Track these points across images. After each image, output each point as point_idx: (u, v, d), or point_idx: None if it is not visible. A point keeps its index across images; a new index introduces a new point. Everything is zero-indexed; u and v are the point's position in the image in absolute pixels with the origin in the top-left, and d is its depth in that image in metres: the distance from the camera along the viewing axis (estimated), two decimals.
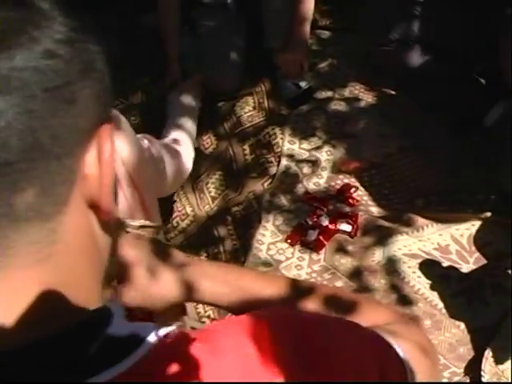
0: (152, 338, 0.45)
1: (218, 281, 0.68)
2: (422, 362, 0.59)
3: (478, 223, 1.66)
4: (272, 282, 0.70)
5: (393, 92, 1.96)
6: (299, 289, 0.69)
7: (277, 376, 0.45)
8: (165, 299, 0.68)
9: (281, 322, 0.50)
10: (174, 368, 0.44)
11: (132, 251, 0.67)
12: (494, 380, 1.40)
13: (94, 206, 0.47)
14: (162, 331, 0.46)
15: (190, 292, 0.67)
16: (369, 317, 0.63)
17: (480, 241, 1.63)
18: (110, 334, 0.44)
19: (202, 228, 1.79)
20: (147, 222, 0.74)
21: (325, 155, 1.86)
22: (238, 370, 0.45)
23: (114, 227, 0.51)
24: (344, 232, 1.67)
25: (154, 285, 0.67)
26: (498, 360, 1.40)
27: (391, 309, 0.70)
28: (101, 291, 0.50)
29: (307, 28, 1.90)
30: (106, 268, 0.51)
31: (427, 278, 1.57)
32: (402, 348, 0.56)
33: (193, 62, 1.97)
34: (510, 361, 1.40)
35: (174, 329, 0.47)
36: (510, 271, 1.55)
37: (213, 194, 1.86)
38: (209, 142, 1.96)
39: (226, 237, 1.75)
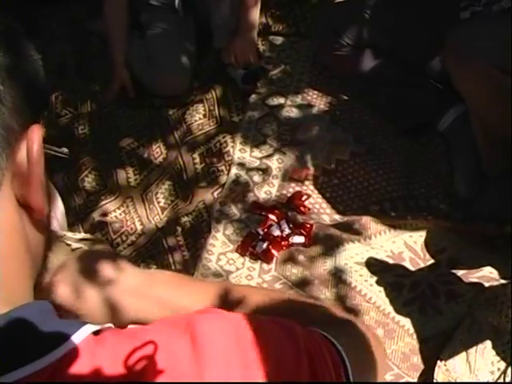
0: (79, 335, 0.46)
1: (141, 296, 0.68)
2: (359, 358, 0.62)
3: (431, 230, 1.66)
4: (200, 291, 0.70)
5: (346, 97, 1.97)
6: (230, 295, 0.69)
7: (203, 372, 0.47)
8: (95, 320, 0.67)
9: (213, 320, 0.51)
10: (91, 367, 0.45)
11: (58, 270, 0.68)
12: None
13: (25, 206, 0.50)
14: (91, 328, 0.47)
15: (114, 312, 0.68)
16: (303, 317, 0.63)
17: (434, 247, 1.64)
18: (32, 332, 0.45)
19: (151, 240, 1.78)
20: (88, 235, 0.75)
21: (276, 163, 1.86)
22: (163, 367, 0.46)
23: (46, 228, 0.53)
24: (298, 244, 1.68)
25: (83, 304, 0.67)
26: (450, 368, 1.40)
27: (331, 310, 0.72)
28: (32, 290, 0.51)
29: (255, 15, 1.92)
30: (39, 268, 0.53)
31: (379, 285, 1.56)
32: (340, 343, 0.58)
33: (141, 66, 1.97)
34: (462, 369, 1.40)
35: (105, 327, 0.48)
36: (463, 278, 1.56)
37: (162, 204, 1.85)
38: (158, 151, 1.96)
39: (175, 248, 1.74)
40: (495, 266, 1.56)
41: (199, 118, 2.00)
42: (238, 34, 1.98)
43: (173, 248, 1.74)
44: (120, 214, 1.84)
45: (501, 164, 1.65)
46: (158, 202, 1.85)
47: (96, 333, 0.47)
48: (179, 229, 1.77)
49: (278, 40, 2.17)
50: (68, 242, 0.73)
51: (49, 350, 0.45)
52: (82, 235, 0.75)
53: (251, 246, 1.68)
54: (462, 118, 1.74)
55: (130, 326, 0.52)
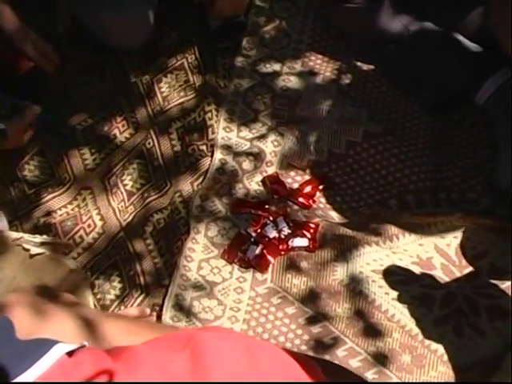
0: (50, 357, 0.49)
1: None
2: None
3: (468, 229, 1.60)
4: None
5: (357, 63, 1.90)
6: None
7: None
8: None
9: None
10: None
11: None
12: None
13: None
14: (64, 349, 0.51)
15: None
16: None
17: (472, 251, 1.58)
18: None
19: (113, 241, 1.70)
20: (49, 239, 0.86)
21: (270, 146, 1.79)
22: None
23: None
24: (300, 248, 1.62)
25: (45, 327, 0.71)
26: None
27: None
28: None
29: None
30: None
31: (403, 300, 1.51)
32: None
33: (89, 11, 1.84)
34: None
35: (79, 347, 0.53)
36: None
37: (129, 187, 1.78)
38: (124, 124, 1.88)
39: (144, 253, 1.68)
40: None
41: (179, 86, 1.93)
42: None
43: (141, 254, 1.67)
44: (72, 210, 1.74)
45: None
46: (124, 185, 1.77)
47: (70, 353, 0.51)
48: (149, 228, 1.71)
49: None
50: (26, 247, 0.74)
51: (14, 375, 0.47)
52: (44, 238, 0.78)
53: (241, 250, 1.63)
54: (506, 88, 1.67)
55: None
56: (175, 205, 1.73)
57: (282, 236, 1.63)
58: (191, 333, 0.54)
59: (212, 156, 1.78)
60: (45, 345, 0.49)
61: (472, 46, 1.75)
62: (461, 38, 1.76)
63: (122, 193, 1.77)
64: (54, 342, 0.50)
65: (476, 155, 1.72)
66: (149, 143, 1.83)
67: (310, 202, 1.69)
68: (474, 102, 1.75)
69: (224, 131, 1.82)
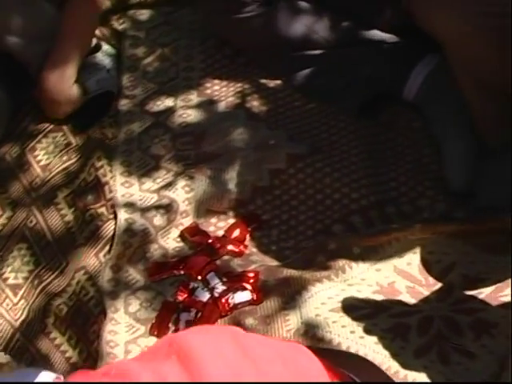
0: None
1: None
2: None
3: (428, 242, 1.68)
4: None
5: (262, 80, 1.98)
6: None
7: None
8: None
9: None
10: None
11: None
12: None
13: None
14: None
15: None
16: None
17: (438, 266, 1.65)
18: None
19: (9, 350, 1.67)
20: None
21: (182, 194, 1.85)
22: None
23: None
24: (243, 304, 1.65)
25: None
26: None
27: None
28: None
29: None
30: None
31: (373, 335, 1.54)
32: None
33: None
34: None
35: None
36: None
37: (12, 280, 1.76)
38: None
39: (50, 352, 1.66)
40: None
41: (58, 150, 1.96)
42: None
43: (47, 353, 1.65)
44: None
45: (503, 130, 1.69)
46: (5, 280, 1.76)
47: None
48: (50, 320, 1.69)
49: (144, 14, 2.18)
50: None
51: None
52: None
53: (172, 321, 1.63)
54: (435, 75, 1.78)
55: None
56: (80, 284, 1.73)
57: (216, 294, 1.65)
58: (169, 338, 0.57)
59: (115, 218, 1.81)
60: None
61: (388, 37, 1.87)
62: (374, 31, 1.87)
63: (2, 290, 1.75)
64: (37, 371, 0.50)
65: (418, 157, 1.82)
66: (31, 221, 1.83)
67: (241, 247, 1.73)
68: (403, 98, 1.85)
69: (123, 187, 1.86)
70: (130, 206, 1.82)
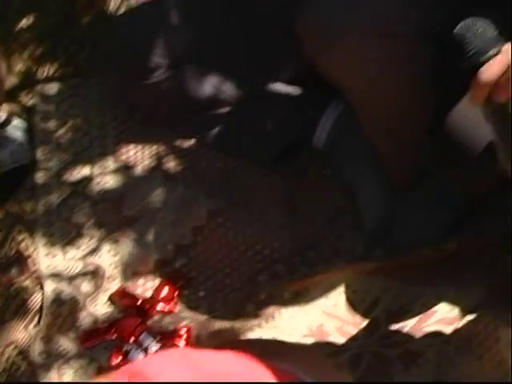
0: None
1: None
2: None
3: (351, 281, 1.72)
4: None
5: (177, 142, 2.03)
6: None
7: None
8: None
9: None
10: None
11: None
12: None
13: None
14: None
15: None
16: None
17: (362, 304, 1.69)
18: None
19: None
20: None
21: (107, 259, 1.86)
22: None
23: None
24: None
25: None
26: None
27: None
28: None
29: None
30: None
31: None
32: None
33: None
34: None
35: None
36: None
37: None
38: None
39: None
40: (451, 300, 1.63)
41: None
42: None
43: None
44: None
45: (412, 170, 1.76)
46: None
47: None
48: None
49: (52, 88, 2.19)
50: None
51: None
52: None
53: None
54: (342, 122, 1.85)
55: None
56: (11, 360, 1.72)
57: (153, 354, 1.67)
58: (126, 368, 0.57)
59: (42, 289, 1.80)
60: None
61: (293, 89, 1.93)
62: (279, 84, 1.93)
63: None
64: None
65: (333, 202, 1.87)
66: None
67: (171, 306, 1.74)
68: (314, 146, 1.91)
69: (47, 258, 1.86)
70: (55, 276, 1.82)
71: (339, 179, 1.89)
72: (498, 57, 1.04)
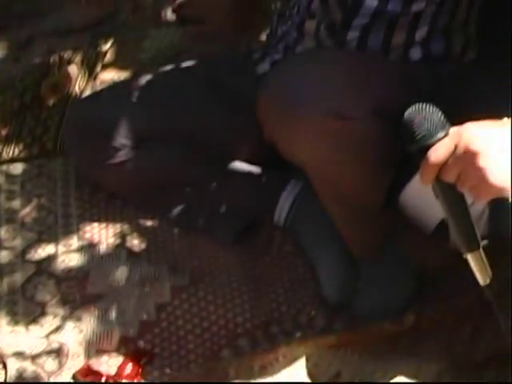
0: None
1: None
2: None
3: (312, 354, 1.75)
4: None
5: (141, 220, 2.07)
6: None
7: None
8: None
9: None
10: None
11: None
12: None
13: None
14: None
15: None
16: None
17: (323, 376, 1.71)
18: None
19: None
20: None
21: (72, 336, 1.86)
22: None
23: None
24: None
25: None
26: None
27: None
28: None
29: None
30: None
31: None
32: None
33: None
34: None
35: None
36: None
37: None
38: None
39: None
40: (411, 373, 1.67)
41: None
42: None
43: None
44: None
45: (371, 244, 1.81)
46: None
47: None
48: None
49: (17, 168, 2.23)
50: None
51: None
52: None
53: None
54: (302, 199, 1.91)
55: None
56: None
57: None
58: None
59: (5, 368, 1.79)
60: None
61: (253, 168, 1.98)
62: (240, 163, 1.98)
63: None
64: None
65: (294, 277, 1.90)
66: None
67: (135, 383, 1.75)
68: (275, 224, 1.96)
69: (10, 337, 1.85)
70: (19, 354, 1.81)
71: (300, 254, 1.93)
72: (446, 139, 1.11)
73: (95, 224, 2.07)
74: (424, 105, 1.14)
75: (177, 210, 2.02)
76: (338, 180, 1.64)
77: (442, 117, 1.13)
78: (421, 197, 1.39)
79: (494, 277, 1.24)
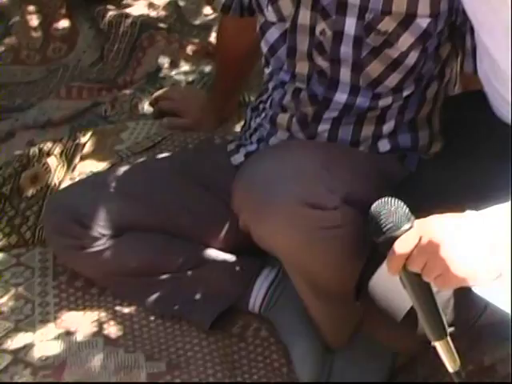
0: None
1: None
2: None
3: None
4: None
5: (118, 307, 2.08)
6: None
7: None
8: None
9: None
10: None
11: None
12: None
13: None
14: None
15: None
16: None
17: None
18: None
19: None
20: None
21: None
22: None
23: None
24: None
25: None
26: None
27: None
28: None
29: None
30: None
31: None
32: None
33: None
34: None
35: None
36: None
37: None
38: None
39: None
40: None
41: None
42: None
43: None
44: None
45: (343, 331, 1.85)
46: None
47: None
48: None
49: None
50: None
51: None
52: None
53: None
54: (276, 287, 1.95)
55: None
56: None
57: None
58: None
59: None
60: None
61: (228, 256, 2.02)
62: (215, 251, 2.02)
63: None
64: None
65: (269, 362, 1.93)
66: None
67: None
68: (250, 310, 1.99)
69: None
70: None
71: (276, 340, 1.96)
72: (411, 231, 1.17)
73: (72, 312, 2.07)
74: (390, 198, 1.20)
75: (153, 296, 2.04)
76: (310, 268, 1.69)
77: (407, 210, 1.19)
78: (389, 285, 1.43)
79: (463, 363, 1.28)
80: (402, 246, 1.16)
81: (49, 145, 2.38)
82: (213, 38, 2.83)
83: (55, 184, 2.28)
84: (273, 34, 1.84)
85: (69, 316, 2.07)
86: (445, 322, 1.23)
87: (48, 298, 2.12)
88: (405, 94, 1.78)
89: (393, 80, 1.76)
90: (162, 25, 2.91)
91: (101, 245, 1.98)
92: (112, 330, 2.03)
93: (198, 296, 2.01)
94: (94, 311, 2.07)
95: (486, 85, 1.63)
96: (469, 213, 1.20)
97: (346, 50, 1.75)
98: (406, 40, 1.71)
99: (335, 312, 1.80)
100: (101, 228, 1.97)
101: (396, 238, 1.17)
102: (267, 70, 1.94)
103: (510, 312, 1.22)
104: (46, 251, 2.20)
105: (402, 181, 1.68)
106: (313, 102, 1.82)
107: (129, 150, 2.35)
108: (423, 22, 1.69)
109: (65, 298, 2.11)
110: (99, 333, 2.02)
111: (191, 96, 2.51)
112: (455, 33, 1.77)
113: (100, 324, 2.04)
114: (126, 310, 2.07)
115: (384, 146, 1.82)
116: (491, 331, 1.54)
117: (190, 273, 2.01)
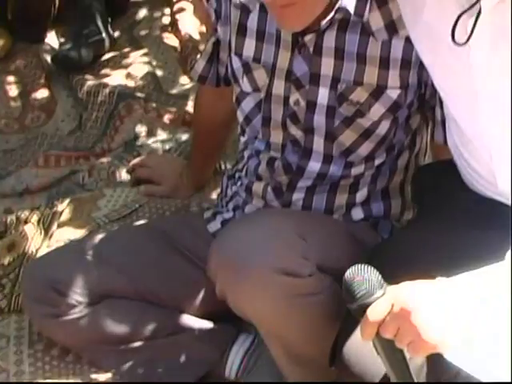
0: None
1: None
2: None
3: None
4: None
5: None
6: None
7: None
8: None
9: None
10: None
11: None
12: None
13: None
14: None
15: None
16: None
17: None
18: None
19: None
20: None
21: None
22: None
23: None
24: None
25: None
26: None
27: None
28: None
29: None
30: None
31: None
32: None
33: None
34: None
35: None
36: None
37: None
38: None
39: None
40: None
41: None
42: None
43: None
44: None
45: None
46: None
47: None
48: None
49: None
50: None
51: None
52: None
53: None
54: (252, 353, 1.96)
55: None
56: None
57: None
58: None
59: None
60: None
61: (204, 322, 2.03)
62: (190, 317, 2.03)
63: None
64: None
65: None
66: None
67: None
68: (226, 377, 1.99)
69: None
70: None
71: None
72: (383, 298, 1.19)
73: (47, 374, 2.07)
74: (363, 265, 1.23)
75: (129, 364, 2.04)
76: (286, 333, 1.72)
77: (380, 276, 1.22)
78: (363, 351, 1.45)
79: None
80: (374, 313, 1.19)
81: (26, 213, 2.40)
82: (190, 106, 2.86)
83: (32, 252, 2.28)
84: (248, 104, 1.89)
85: None
86: None
87: (23, 366, 2.11)
88: (377, 162, 1.83)
89: (365, 149, 1.80)
90: (139, 94, 2.96)
91: (77, 312, 1.98)
92: None
93: (174, 363, 2.02)
94: (69, 379, 2.07)
95: (457, 156, 1.67)
96: (440, 279, 1.22)
97: (320, 119, 1.80)
98: (377, 110, 1.76)
99: (310, 377, 1.81)
100: (77, 295, 1.97)
101: (369, 304, 1.20)
102: (243, 139, 1.98)
103: (481, 380, 1.24)
104: (21, 319, 2.19)
105: (375, 247, 1.71)
106: (287, 171, 1.86)
107: (106, 218, 2.36)
108: (393, 93, 1.74)
109: (40, 367, 2.10)
110: None
111: (168, 163, 2.54)
112: (425, 105, 1.82)
113: None
114: (102, 378, 2.07)
115: (357, 214, 1.86)
116: None
117: (166, 340, 2.02)
